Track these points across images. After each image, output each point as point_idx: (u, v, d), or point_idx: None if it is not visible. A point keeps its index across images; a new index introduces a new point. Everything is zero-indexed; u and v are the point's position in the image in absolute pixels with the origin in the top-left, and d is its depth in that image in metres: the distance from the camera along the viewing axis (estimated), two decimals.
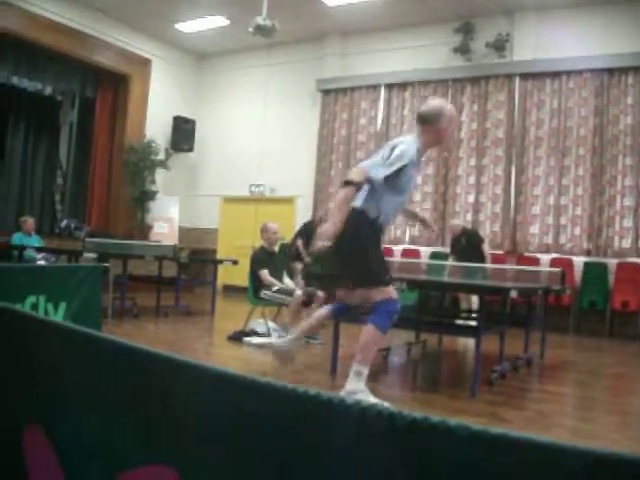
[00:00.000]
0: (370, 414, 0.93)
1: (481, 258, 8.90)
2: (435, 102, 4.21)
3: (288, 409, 1.09)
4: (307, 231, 8.01)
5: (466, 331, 5.09)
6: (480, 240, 9.45)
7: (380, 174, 3.83)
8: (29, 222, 9.30)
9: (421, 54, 11.62)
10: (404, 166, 3.83)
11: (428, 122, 4.02)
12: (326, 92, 12.76)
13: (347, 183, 3.81)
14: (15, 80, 12.24)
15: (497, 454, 0.79)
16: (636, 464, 0.69)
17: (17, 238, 9.08)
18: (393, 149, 3.90)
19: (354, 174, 3.87)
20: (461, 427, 0.82)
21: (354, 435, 0.96)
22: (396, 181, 3.88)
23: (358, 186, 3.82)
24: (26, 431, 1.61)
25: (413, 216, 4.77)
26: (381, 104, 12.18)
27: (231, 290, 12.29)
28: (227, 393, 1.20)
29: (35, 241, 9.21)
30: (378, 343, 4.01)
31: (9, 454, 1.66)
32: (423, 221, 4.78)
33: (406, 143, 3.95)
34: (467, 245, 9.22)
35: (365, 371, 3.88)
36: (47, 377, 1.63)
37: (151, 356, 1.39)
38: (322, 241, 3.76)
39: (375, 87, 12.24)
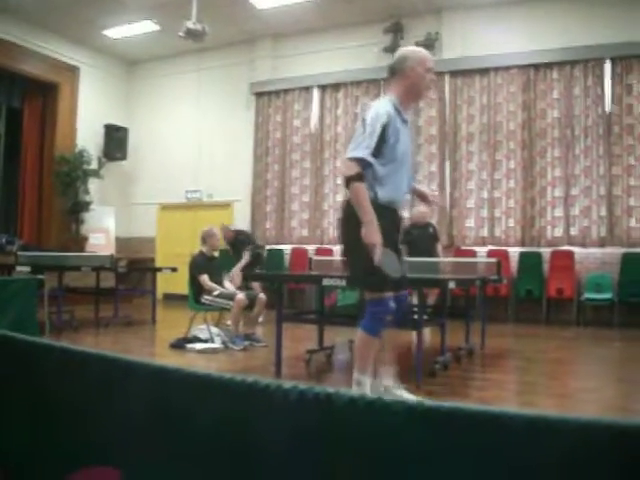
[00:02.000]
0: (308, 396, 0.94)
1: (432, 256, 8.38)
2: (400, 50, 3.91)
3: (226, 400, 1.09)
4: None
5: (406, 324, 5.14)
6: (437, 238, 9.03)
7: (365, 150, 3.47)
8: None
9: (352, 55, 11.72)
10: (384, 126, 3.50)
11: (395, 72, 3.72)
12: (259, 95, 12.73)
13: (350, 180, 3.46)
14: None
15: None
16: None
17: None
18: (364, 120, 3.56)
19: (348, 169, 3.48)
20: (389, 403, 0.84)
21: (295, 418, 0.97)
22: (384, 149, 3.54)
23: (360, 177, 3.44)
24: None
25: (412, 191, 4.26)
26: (314, 105, 12.22)
27: (172, 298, 12.11)
28: (161, 388, 1.19)
29: None
30: (371, 347, 3.66)
31: None
32: (422, 195, 4.33)
33: (375, 105, 3.67)
34: (420, 238, 8.91)
35: (364, 379, 3.61)
36: None
37: (87, 356, 1.37)
38: (373, 248, 3.37)
39: (308, 89, 12.28)
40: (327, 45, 12.01)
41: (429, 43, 10.95)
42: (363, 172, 3.45)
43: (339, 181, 11.28)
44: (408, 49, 3.91)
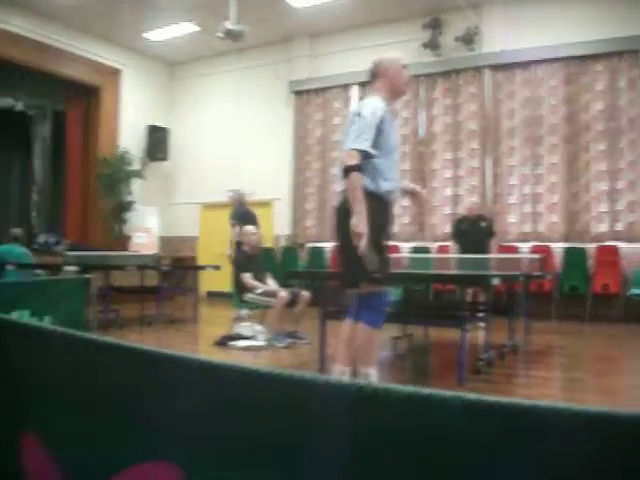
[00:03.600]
0: (367, 391, 0.95)
1: (482, 252, 8.29)
2: (376, 58, 4.13)
3: (276, 393, 1.11)
4: None
5: (451, 321, 5.12)
6: (490, 233, 8.89)
7: (365, 142, 3.58)
8: (19, 235, 9.21)
9: (391, 51, 11.64)
10: (381, 120, 3.66)
11: (374, 77, 3.98)
12: (298, 93, 12.78)
13: (348, 170, 3.55)
14: None
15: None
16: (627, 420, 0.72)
17: (5, 249, 8.94)
18: (359, 114, 3.68)
19: (349, 158, 3.57)
20: (417, 393, 0.85)
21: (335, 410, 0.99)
22: (381, 141, 3.67)
23: (359, 168, 3.55)
24: (22, 440, 1.60)
25: (403, 189, 4.32)
26: (353, 103, 12.21)
27: (215, 296, 12.24)
28: (214, 383, 1.21)
29: (22, 255, 9.07)
30: (374, 340, 3.82)
31: (5, 466, 1.66)
32: (413, 192, 4.43)
33: (370, 101, 3.80)
34: (471, 232, 8.81)
35: (372, 371, 3.75)
36: (36, 384, 1.62)
37: (140, 353, 1.40)
38: (360, 238, 3.47)
39: (347, 86, 12.28)
40: (365, 42, 11.97)
41: (468, 38, 10.86)
42: (362, 163, 3.58)
43: None
44: (380, 56, 4.14)
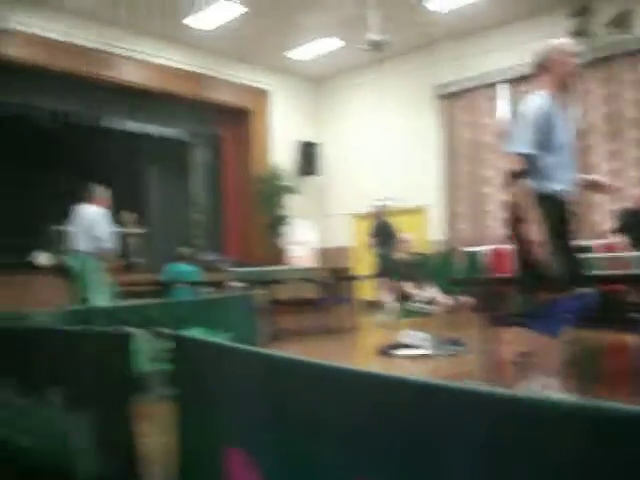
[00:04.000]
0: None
1: None
2: (540, 47, 3.92)
3: (491, 418, 1.09)
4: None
5: (630, 326, 4.80)
6: None
7: (525, 144, 3.47)
8: (186, 253, 9.84)
9: (538, 44, 11.20)
10: (541, 118, 3.50)
11: (537, 69, 3.79)
12: (444, 97, 12.62)
13: (515, 176, 3.46)
14: (148, 128, 13.04)
15: None
16: None
17: (174, 267, 9.56)
18: (522, 114, 3.60)
19: (513, 162, 3.49)
20: None
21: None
22: (547, 139, 3.51)
23: (525, 172, 3.44)
24: (227, 454, 1.69)
25: (583, 183, 4.06)
26: (502, 101, 11.87)
27: (371, 305, 12.29)
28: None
29: (191, 272, 9.68)
30: (552, 349, 3.61)
31: (212, 478, 1.76)
32: (595, 184, 4.22)
33: (528, 100, 3.65)
34: None
35: (550, 381, 3.55)
36: (239, 401, 1.71)
37: (323, 369, 1.42)
38: (535, 246, 3.36)
39: (494, 85, 11.95)
40: (509, 38, 11.61)
41: (620, 22, 10.21)
42: (528, 167, 3.44)
43: None
44: (543, 45, 3.89)
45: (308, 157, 14.13)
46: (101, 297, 6.82)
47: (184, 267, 9.74)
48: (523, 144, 3.47)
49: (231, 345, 1.83)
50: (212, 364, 1.81)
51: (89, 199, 7.26)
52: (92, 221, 7.04)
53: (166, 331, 1.91)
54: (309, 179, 14.21)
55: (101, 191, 7.34)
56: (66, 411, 2.25)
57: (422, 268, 7.69)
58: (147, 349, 1.87)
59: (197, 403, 1.88)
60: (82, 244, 7.04)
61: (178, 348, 1.92)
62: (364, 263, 13.30)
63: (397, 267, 7.02)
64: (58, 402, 2.29)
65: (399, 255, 7.11)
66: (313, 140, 14.36)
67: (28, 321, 3.99)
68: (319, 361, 1.51)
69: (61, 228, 10.70)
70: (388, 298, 9.74)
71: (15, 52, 10.22)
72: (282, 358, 1.61)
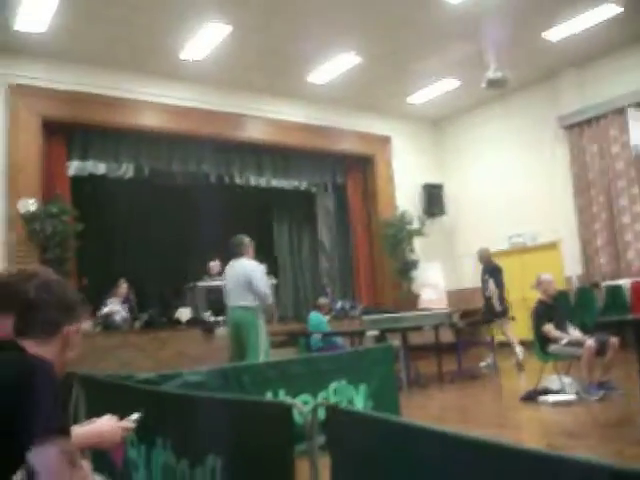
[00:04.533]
0: None
1: None
2: None
3: None
4: None
5: None
6: None
7: None
8: (325, 304, 10.05)
9: None
10: None
11: None
12: (569, 127, 12.24)
13: None
14: (274, 182, 13.53)
15: None
16: None
17: (314, 317, 9.76)
18: None
19: None
20: None
21: None
22: None
23: None
24: None
25: None
26: (631, 126, 11.35)
27: (508, 346, 11.93)
28: None
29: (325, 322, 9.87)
30: None
31: None
32: None
33: None
34: None
35: None
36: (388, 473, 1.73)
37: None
38: None
39: (621, 110, 11.46)
40: (633, 60, 11.16)
41: None
42: None
43: None
44: None
45: (433, 199, 14.10)
46: (266, 351, 6.76)
47: (321, 317, 9.92)
48: None
49: (377, 416, 1.87)
50: (362, 433, 1.85)
51: (240, 253, 7.03)
52: (249, 275, 6.80)
53: (320, 402, 1.97)
54: (435, 221, 14.16)
55: (250, 243, 7.11)
56: (226, 477, 2.35)
57: (562, 307, 7.40)
58: (304, 417, 1.94)
59: (346, 467, 1.93)
60: (241, 299, 6.83)
61: (330, 417, 1.97)
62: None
63: (542, 308, 6.77)
64: (218, 469, 2.41)
65: (540, 297, 6.88)
66: (436, 181, 14.33)
67: (181, 380, 4.22)
68: (452, 431, 1.51)
69: (201, 284, 11.25)
70: (515, 339, 9.51)
71: (154, 122, 11.02)
72: (415, 427, 1.63)
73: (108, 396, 3.42)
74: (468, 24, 9.84)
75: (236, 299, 6.93)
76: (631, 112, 11.39)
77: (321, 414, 2.01)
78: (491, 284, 10.15)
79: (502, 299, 9.98)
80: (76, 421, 3.34)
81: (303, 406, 1.95)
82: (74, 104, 10.17)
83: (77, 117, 10.28)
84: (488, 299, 10.12)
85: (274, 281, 12.61)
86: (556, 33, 10.60)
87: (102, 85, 10.41)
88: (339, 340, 9.14)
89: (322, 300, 10.31)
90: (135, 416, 2.12)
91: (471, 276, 13.76)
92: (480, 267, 10.70)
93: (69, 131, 10.62)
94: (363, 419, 1.88)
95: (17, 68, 9.79)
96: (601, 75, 11.72)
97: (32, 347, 1.61)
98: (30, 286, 1.67)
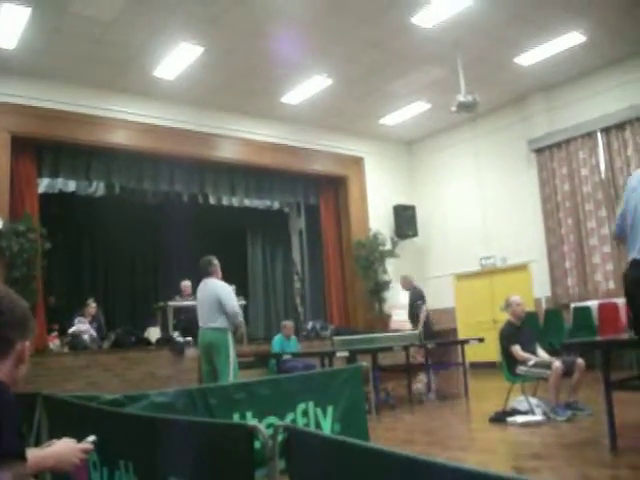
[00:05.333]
0: None
1: None
2: None
3: None
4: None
5: None
6: None
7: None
8: (288, 326, 9.97)
9: (634, 88, 10.96)
10: None
11: None
12: (539, 150, 12.44)
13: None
14: (247, 202, 13.54)
15: None
16: None
17: (278, 341, 9.71)
18: None
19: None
20: None
21: None
22: None
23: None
24: None
25: None
26: (600, 150, 11.57)
27: (477, 367, 12.00)
28: None
29: (293, 344, 9.79)
30: None
31: None
32: None
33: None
34: None
35: None
36: None
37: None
38: None
39: (590, 134, 11.68)
40: (602, 85, 11.41)
41: None
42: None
43: None
44: None
45: (405, 220, 14.17)
46: (234, 372, 6.74)
47: (292, 339, 9.88)
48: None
49: (338, 439, 1.86)
50: (323, 457, 1.84)
51: (209, 273, 7.06)
52: (221, 295, 6.82)
53: (280, 423, 1.96)
54: (407, 242, 14.22)
55: (217, 264, 7.12)
56: None
57: (530, 329, 7.46)
58: (264, 440, 1.92)
59: None
60: (212, 320, 6.83)
61: (291, 439, 1.96)
62: (467, 323, 13.10)
63: (509, 330, 6.82)
64: None
65: (508, 318, 6.94)
66: (409, 202, 14.42)
67: (147, 401, 4.16)
68: (410, 454, 1.51)
69: (171, 304, 11.17)
70: None
71: (126, 140, 10.97)
72: (373, 450, 1.63)
73: (72, 418, 3.36)
74: (440, 48, 10.00)
75: (206, 320, 6.93)
76: (600, 136, 11.59)
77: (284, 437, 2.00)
78: (424, 308, 10.55)
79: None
80: (38, 442, 3.28)
81: (264, 428, 1.94)
82: (44, 120, 10.09)
83: (47, 134, 10.19)
84: (425, 322, 10.42)
85: (243, 302, 12.57)
86: (527, 58, 10.82)
87: (73, 102, 10.36)
88: (298, 364, 9.05)
89: (285, 322, 10.27)
90: (91, 438, 2.09)
91: (442, 297, 13.86)
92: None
93: (39, 148, 10.51)
94: (323, 442, 1.87)
95: None
96: (570, 99, 11.96)
97: None
98: None
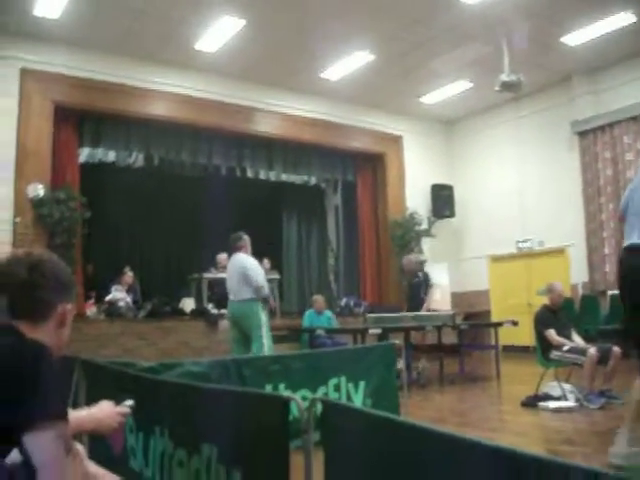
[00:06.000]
0: None
1: None
2: None
3: None
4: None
5: None
6: None
7: None
8: (319, 300, 9.99)
9: None
10: None
11: None
12: (583, 134, 12.18)
13: None
14: (284, 177, 13.54)
15: None
16: None
17: (308, 316, 9.76)
18: None
19: None
20: None
21: None
22: None
23: None
24: None
25: None
26: None
27: (510, 350, 11.91)
28: None
29: (326, 319, 9.82)
30: None
31: None
32: None
33: None
34: None
35: None
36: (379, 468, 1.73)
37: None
38: None
39: (636, 118, 11.39)
40: None
41: None
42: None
43: None
44: None
45: (442, 200, 14.05)
46: (268, 346, 6.89)
47: (325, 315, 9.90)
48: None
49: (373, 413, 1.87)
50: (357, 430, 1.85)
51: (238, 248, 7.27)
52: (247, 269, 7.02)
53: (317, 396, 1.97)
54: (443, 222, 14.11)
55: (247, 239, 7.35)
56: (221, 466, 2.36)
57: (566, 314, 7.37)
58: (300, 412, 1.94)
59: (340, 463, 1.93)
60: (240, 293, 7.04)
61: (326, 412, 1.97)
62: (501, 306, 12.99)
63: (545, 314, 6.75)
64: (214, 458, 2.41)
65: (545, 302, 6.86)
66: (446, 182, 14.29)
67: (182, 369, 4.24)
68: (446, 430, 1.51)
69: (206, 276, 11.28)
70: None
71: (166, 112, 11.03)
72: (411, 426, 1.63)
73: (109, 382, 3.43)
74: (484, 25, 9.81)
75: (235, 294, 7.16)
76: None
77: (319, 410, 2.01)
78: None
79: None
80: (75, 405, 3.36)
81: (301, 400, 1.95)
82: (87, 91, 10.20)
83: (89, 104, 10.30)
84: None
85: (277, 276, 12.64)
86: (574, 38, 10.53)
87: (115, 73, 10.44)
88: (327, 341, 9.06)
89: (316, 296, 10.29)
90: (129, 402, 2.13)
91: (477, 279, 13.77)
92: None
93: (81, 118, 10.65)
94: (359, 415, 1.88)
95: (32, 52, 9.81)
96: (616, 82, 11.66)
97: (28, 329, 1.61)
98: (22, 267, 1.67)
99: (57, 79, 9.98)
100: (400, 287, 13.20)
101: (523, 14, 9.53)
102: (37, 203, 9.50)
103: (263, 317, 7.01)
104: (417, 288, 9.35)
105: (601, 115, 11.83)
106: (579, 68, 11.84)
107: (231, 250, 7.44)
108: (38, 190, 9.52)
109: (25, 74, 9.76)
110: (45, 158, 9.82)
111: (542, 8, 9.43)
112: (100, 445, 3.33)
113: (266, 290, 7.19)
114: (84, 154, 10.98)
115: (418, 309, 9.05)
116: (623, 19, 9.84)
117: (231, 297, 7.22)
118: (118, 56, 10.49)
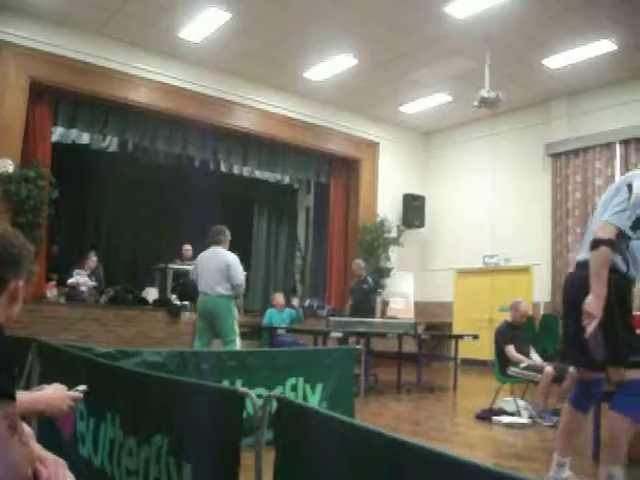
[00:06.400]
0: None
1: None
2: None
3: None
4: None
5: None
6: None
7: (625, 219, 3.25)
8: (277, 298, 10.06)
9: None
10: None
11: None
12: (556, 155, 12.35)
13: (598, 243, 3.26)
14: (257, 173, 13.49)
15: None
16: None
17: (269, 314, 9.80)
18: (630, 187, 3.31)
19: (602, 231, 3.27)
20: None
21: None
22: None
23: (611, 244, 3.24)
24: None
25: None
26: (617, 162, 11.47)
27: (468, 363, 12.02)
28: None
29: (287, 314, 9.85)
30: (625, 433, 3.27)
31: None
32: None
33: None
34: None
35: (617, 471, 3.20)
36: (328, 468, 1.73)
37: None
38: (591, 318, 3.14)
39: (609, 145, 11.59)
40: (627, 97, 11.28)
41: None
42: (616, 241, 3.26)
43: None
44: None
45: (413, 209, 14.13)
46: (237, 338, 6.90)
47: (285, 312, 9.90)
48: (623, 219, 3.26)
49: (328, 413, 1.86)
50: (311, 430, 1.85)
51: (219, 242, 7.13)
52: (231, 266, 6.92)
53: (273, 394, 1.96)
54: (413, 232, 14.19)
55: (229, 235, 7.24)
56: (172, 458, 2.33)
57: (526, 332, 7.46)
58: (254, 408, 1.92)
59: (292, 463, 1.92)
60: (218, 287, 6.92)
61: (281, 410, 1.96)
62: (464, 319, 13.11)
63: (506, 329, 6.83)
64: (164, 449, 2.39)
65: (507, 318, 6.94)
66: (419, 193, 14.37)
67: (140, 358, 4.19)
68: (397, 436, 1.51)
69: (172, 266, 11.17)
70: None
71: (145, 99, 10.91)
72: (364, 428, 1.63)
73: (64, 366, 3.37)
74: (469, 40, 9.90)
75: (212, 287, 6.98)
76: (617, 148, 11.49)
77: (274, 408, 2.00)
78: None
79: None
80: (28, 386, 3.30)
81: (256, 397, 1.93)
82: (65, 70, 10.03)
83: (67, 83, 10.13)
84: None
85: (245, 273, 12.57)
86: (556, 61, 10.68)
87: (96, 54, 10.30)
88: (287, 339, 9.14)
89: (275, 294, 10.33)
90: (82, 387, 2.09)
91: (442, 291, 13.88)
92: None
93: (57, 96, 10.47)
94: (314, 415, 1.87)
95: (11, 26, 9.63)
96: (593, 108, 11.82)
97: None
98: None
99: (36, 55, 9.80)
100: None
101: (508, 33, 9.64)
102: (5, 179, 9.32)
103: (236, 314, 7.02)
104: (367, 294, 9.92)
105: (575, 139, 12.00)
106: (558, 90, 12.00)
107: (209, 243, 7.22)
108: (7, 166, 9.35)
109: (3, 47, 9.56)
110: (17, 134, 9.64)
111: (528, 29, 9.56)
112: (49, 430, 3.28)
113: (243, 287, 7.20)
114: (57, 133, 10.79)
115: (366, 315, 9.27)
116: (605, 46, 10.02)
117: (205, 290, 7.02)
118: (101, 38, 10.36)
